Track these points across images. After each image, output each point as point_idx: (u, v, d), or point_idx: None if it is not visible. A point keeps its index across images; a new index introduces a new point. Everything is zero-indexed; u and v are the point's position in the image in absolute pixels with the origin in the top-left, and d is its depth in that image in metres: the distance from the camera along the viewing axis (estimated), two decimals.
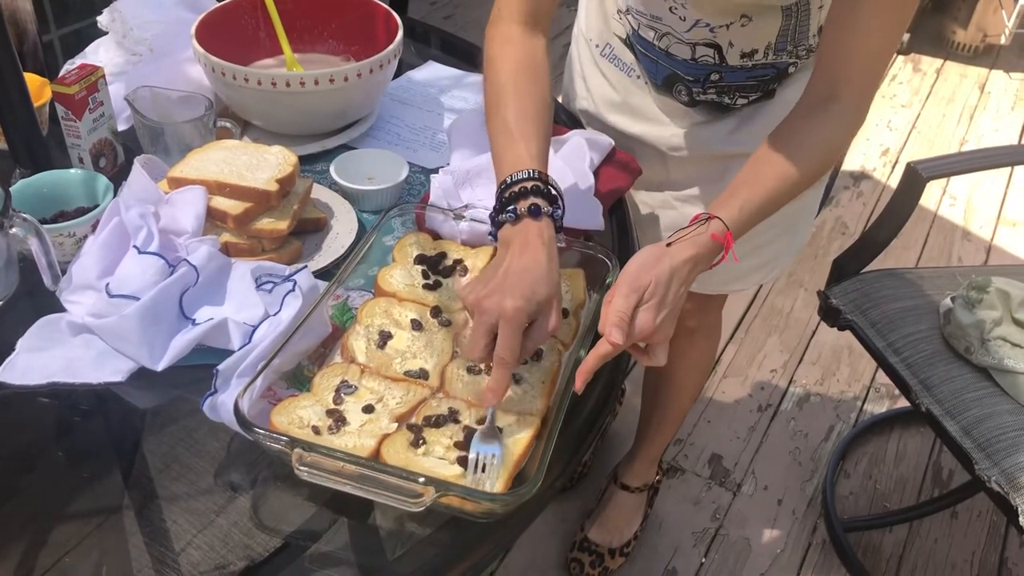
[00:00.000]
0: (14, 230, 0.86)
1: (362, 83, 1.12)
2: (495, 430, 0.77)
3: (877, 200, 2.77)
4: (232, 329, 0.84)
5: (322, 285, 0.89)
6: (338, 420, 0.77)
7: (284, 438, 0.71)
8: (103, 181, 0.98)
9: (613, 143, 1.18)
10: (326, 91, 1.09)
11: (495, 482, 0.74)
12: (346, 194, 1.07)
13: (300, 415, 0.77)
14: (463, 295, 0.82)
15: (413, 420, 0.79)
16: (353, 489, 0.70)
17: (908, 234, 2.55)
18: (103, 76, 1.05)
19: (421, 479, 0.69)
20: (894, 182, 1.87)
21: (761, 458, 1.95)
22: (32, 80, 1.08)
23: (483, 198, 1.03)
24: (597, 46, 1.24)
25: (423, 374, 0.83)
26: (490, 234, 0.86)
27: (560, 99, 1.36)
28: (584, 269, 0.95)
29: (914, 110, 3.23)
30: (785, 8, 1.02)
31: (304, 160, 1.12)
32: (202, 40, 1.11)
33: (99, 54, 1.27)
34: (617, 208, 1.13)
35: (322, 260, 0.98)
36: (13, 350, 0.84)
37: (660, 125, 1.21)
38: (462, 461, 0.75)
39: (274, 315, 0.84)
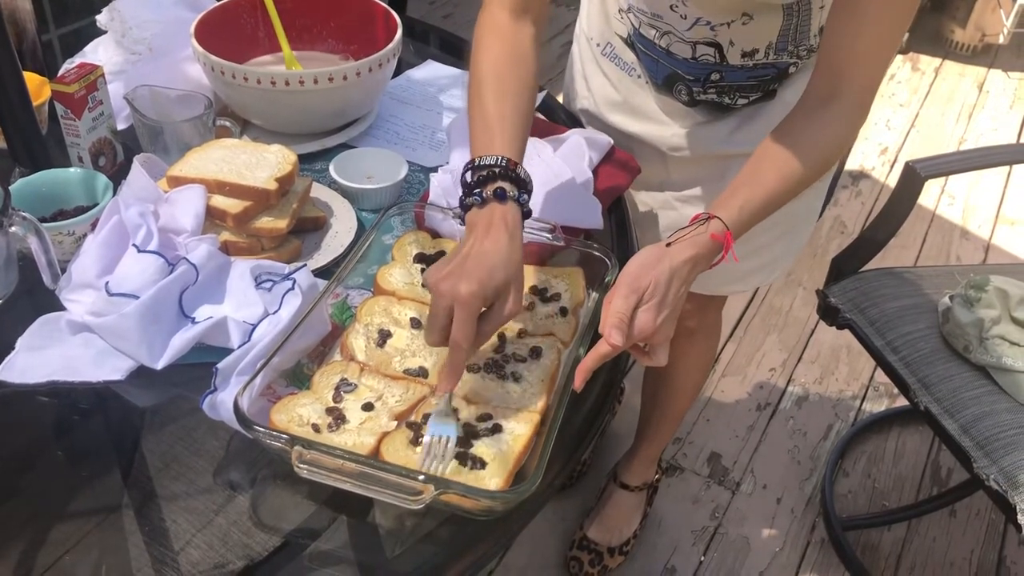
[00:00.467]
0: (14, 229, 0.86)
1: (361, 82, 1.12)
2: (451, 411, 0.77)
3: (876, 199, 2.77)
4: (231, 327, 0.84)
5: (321, 283, 0.89)
6: (338, 418, 0.77)
7: (284, 436, 0.71)
8: (102, 180, 0.98)
9: (612, 142, 1.18)
10: (325, 90, 1.09)
11: (447, 466, 0.73)
12: (345, 193, 1.07)
13: (300, 413, 0.77)
14: (425, 277, 0.80)
15: (412, 418, 0.79)
16: (353, 487, 0.70)
17: (907, 233, 2.55)
18: (102, 75, 1.05)
19: (421, 477, 0.69)
20: (893, 181, 1.87)
21: (760, 457, 1.95)
22: (31, 79, 1.08)
23: None
24: (598, 45, 1.24)
25: (422, 372, 0.83)
26: (457, 216, 0.85)
27: (561, 98, 1.37)
28: (583, 268, 0.95)
29: (913, 109, 3.23)
30: (786, 6, 1.02)
31: (303, 159, 1.12)
32: (201, 39, 1.11)
33: (98, 53, 1.26)
34: (616, 207, 1.13)
35: (321, 259, 0.98)
36: (13, 349, 0.84)
37: (660, 125, 1.21)
38: (417, 442, 0.75)
39: (273, 313, 0.84)
